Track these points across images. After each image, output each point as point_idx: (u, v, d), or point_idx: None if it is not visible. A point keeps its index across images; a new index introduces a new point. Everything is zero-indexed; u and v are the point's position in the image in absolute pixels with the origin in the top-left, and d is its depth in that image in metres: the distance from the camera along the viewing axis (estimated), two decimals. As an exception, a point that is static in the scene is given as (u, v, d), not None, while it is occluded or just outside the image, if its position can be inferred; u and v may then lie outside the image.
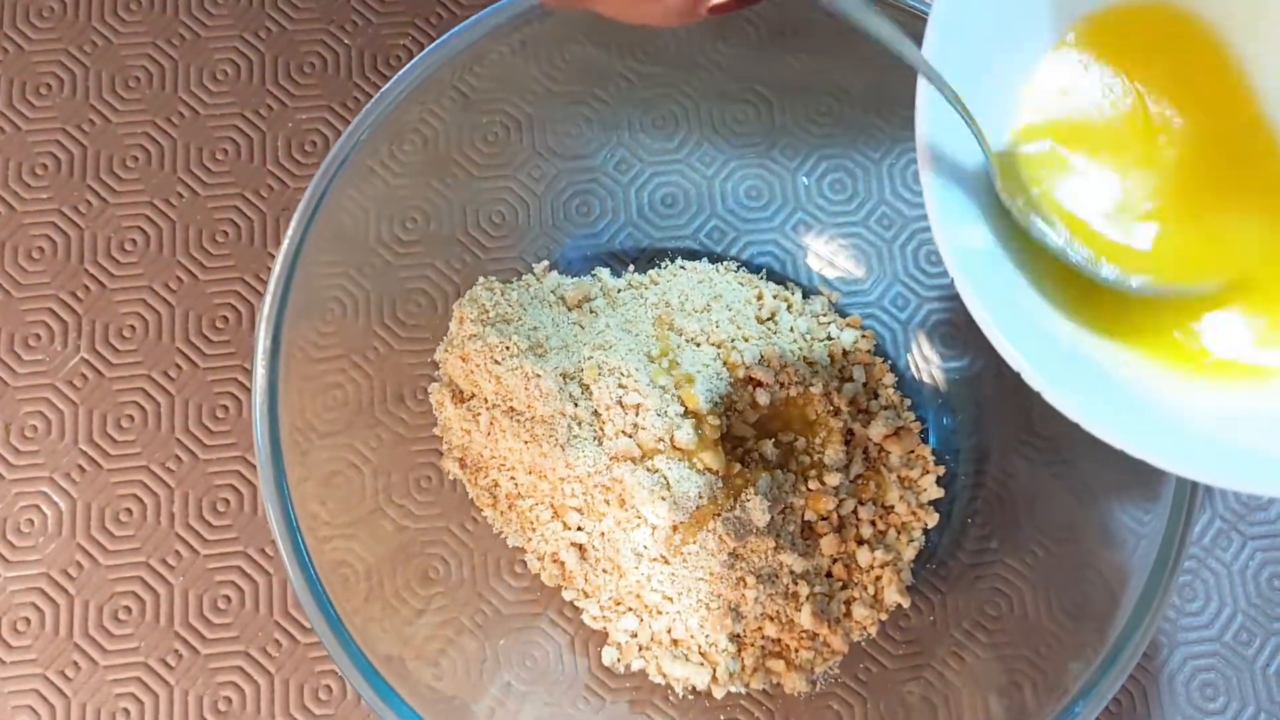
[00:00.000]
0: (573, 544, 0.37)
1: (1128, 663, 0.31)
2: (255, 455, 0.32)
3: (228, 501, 0.40)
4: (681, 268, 0.41)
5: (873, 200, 0.43)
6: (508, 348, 0.37)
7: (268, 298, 0.32)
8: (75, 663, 0.38)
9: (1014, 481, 0.39)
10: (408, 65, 0.36)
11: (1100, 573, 0.36)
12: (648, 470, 0.36)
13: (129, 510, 0.40)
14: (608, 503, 0.37)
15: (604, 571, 0.37)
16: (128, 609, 0.39)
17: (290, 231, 0.33)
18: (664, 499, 0.36)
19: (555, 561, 0.37)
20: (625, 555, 0.36)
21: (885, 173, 0.43)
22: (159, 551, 0.40)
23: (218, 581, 0.39)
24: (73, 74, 0.44)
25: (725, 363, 0.38)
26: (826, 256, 0.41)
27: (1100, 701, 0.31)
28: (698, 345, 0.38)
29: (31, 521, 0.40)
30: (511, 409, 0.37)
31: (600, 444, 0.37)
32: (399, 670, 0.31)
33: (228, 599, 0.39)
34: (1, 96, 0.43)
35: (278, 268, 0.32)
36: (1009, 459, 0.39)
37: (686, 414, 0.37)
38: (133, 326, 0.42)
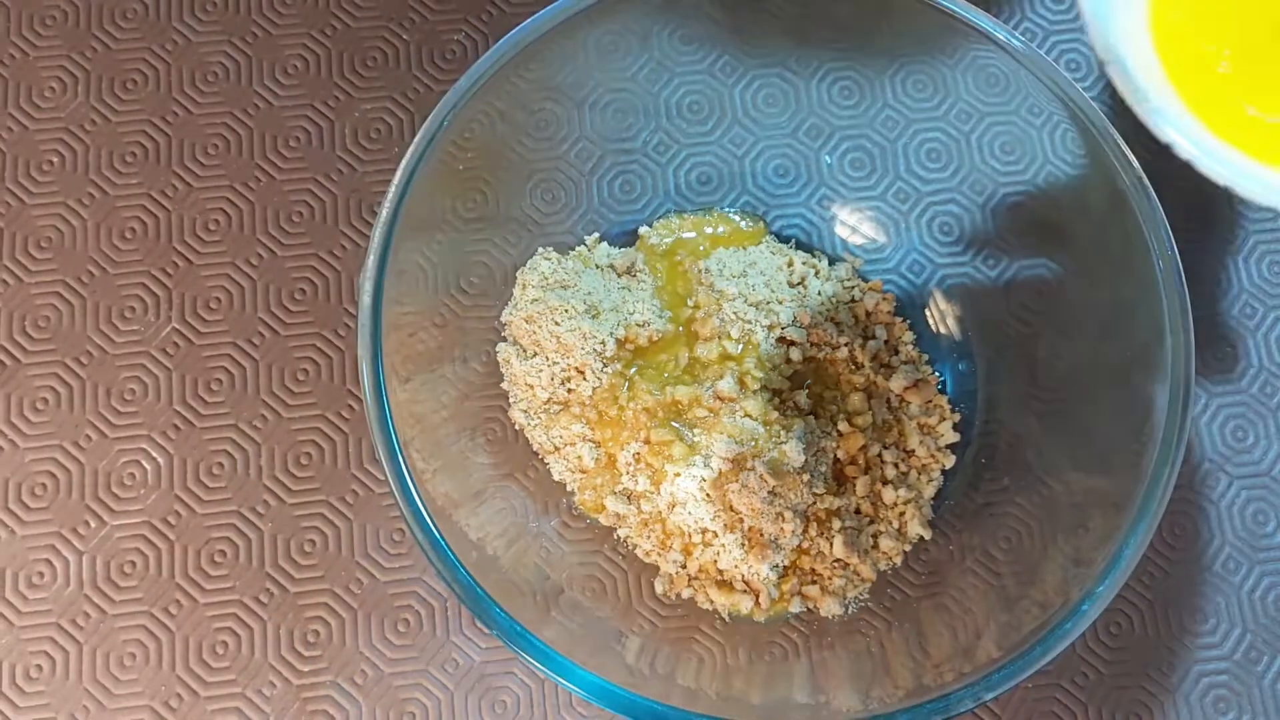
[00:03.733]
0: (625, 488, 0.41)
1: (1123, 575, 0.35)
2: (359, 381, 0.35)
3: (310, 455, 0.44)
4: (718, 239, 0.45)
5: (889, 176, 0.47)
6: (566, 310, 0.41)
7: (384, 210, 0.37)
8: (178, 600, 0.42)
9: (1023, 429, 0.43)
10: (479, 60, 0.39)
11: (1099, 506, 0.40)
12: (694, 418, 0.41)
13: (220, 464, 0.44)
14: (658, 449, 0.41)
15: (654, 511, 0.41)
16: (222, 553, 0.43)
17: (385, 208, 0.37)
18: (709, 444, 0.40)
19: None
20: (675, 495, 0.41)
21: (900, 151, 0.47)
22: (249, 501, 0.44)
23: (303, 527, 0.43)
24: (156, 71, 0.48)
25: (768, 326, 0.42)
26: (853, 224, 0.46)
27: (1098, 607, 0.35)
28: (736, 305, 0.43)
29: (133, 475, 0.44)
30: (570, 366, 0.41)
31: (651, 395, 0.41)
32: (481, 563, 0.35)
33: (313, 543, 0.43)
34: (92, 92, 0.47)
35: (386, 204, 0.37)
36: (1017, 408, 0.43)
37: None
38: (218, 299, 0.46)
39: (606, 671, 0.33)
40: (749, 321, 0.42)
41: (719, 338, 0.42)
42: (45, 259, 0.46)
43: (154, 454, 0.44)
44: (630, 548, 0.42)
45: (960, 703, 0.33)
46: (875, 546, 0.41)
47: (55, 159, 0.47)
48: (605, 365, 0.42)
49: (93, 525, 0.43)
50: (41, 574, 0.42)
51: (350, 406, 0.45)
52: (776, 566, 0.40)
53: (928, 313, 0.45)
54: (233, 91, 0.48)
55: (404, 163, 0.37)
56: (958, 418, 0.43)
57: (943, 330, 0.45)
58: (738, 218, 0.45)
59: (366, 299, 0.36)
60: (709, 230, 0.45)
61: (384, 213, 0.37)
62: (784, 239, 0.46)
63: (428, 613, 0.43)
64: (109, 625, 0.42)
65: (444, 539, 0.34)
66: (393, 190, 0.37)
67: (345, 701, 0.42)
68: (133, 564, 0.43)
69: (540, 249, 0.44)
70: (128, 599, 0.42)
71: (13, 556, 0.43)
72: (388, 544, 0.43)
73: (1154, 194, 0.37)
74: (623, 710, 0.33)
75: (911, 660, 0.38)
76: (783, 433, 0.41)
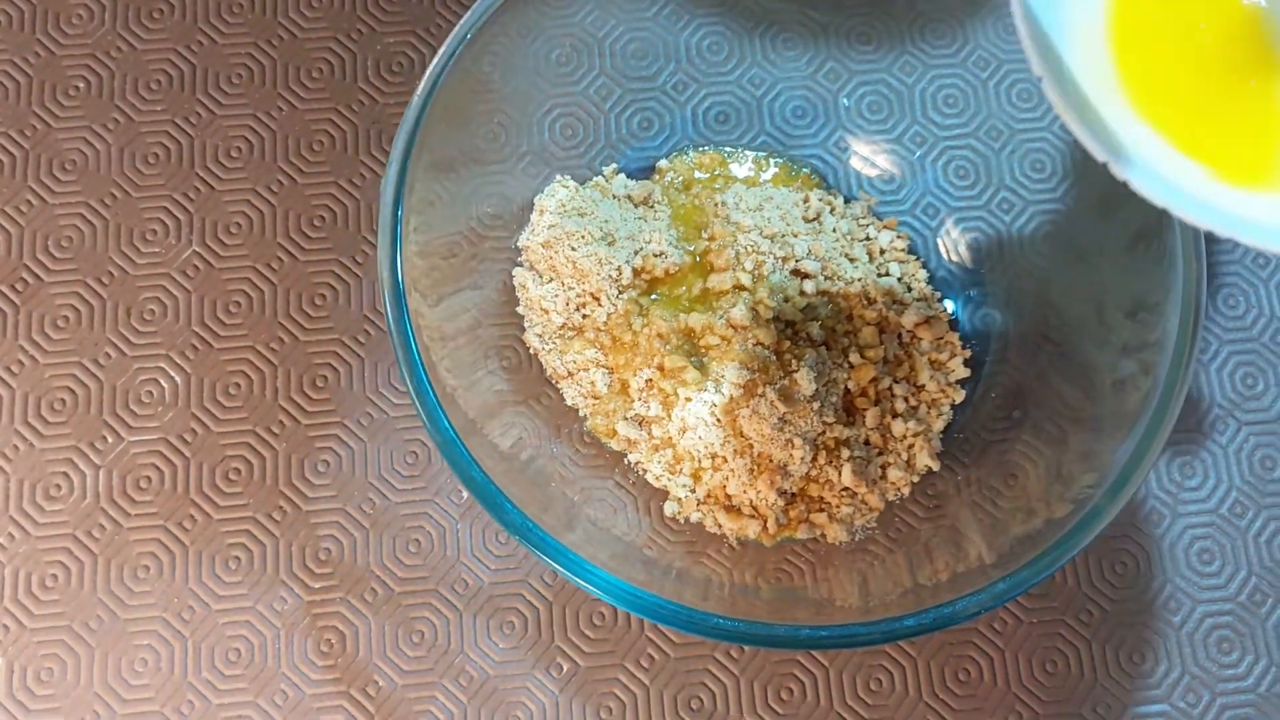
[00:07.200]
0: (637, 414, 0.42)
1: (1125, 495, 0.35)
2: (379, 297, 0.36)
3: (326, 378, 0.45)
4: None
5: (906, 120, 0.47)
6: (583, 236, 0.42)
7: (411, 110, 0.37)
8: (192, 516, 0.43)
9: (1033, 366, 0.43)
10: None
11: (1098, 447, 0.40)
12: (707, 345, 0.41)
13: (237, 385, 0.44)
14: (670, 374, 0.41)
15: (665, 436, 0.41)
16: (237, 470, 0.44)
17: (398, 147, 0.37)
18: (720, 370, 0.40)
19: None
20: (686, 420, 0.41)
21: (917, 96, 0.47)
22: (265, 421, 0.44)
23: (318, 448, 0.44)
24: (182, 0, 0.48)
25: (782, 258, 0.43)
26: (868, 156, 0.46)
27: (1103, 521, 0.35)
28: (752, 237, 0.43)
29: (151, 393, 0.44)
30: (585, 291, 0.42)
31: (665, 322, 0.41)
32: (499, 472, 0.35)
33: (326, 463, 0.44)
34: (118, 20, 0.48)
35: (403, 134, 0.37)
36: (1028, 346, 0.44)
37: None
38: (239, 224, 0.46)
39: (621, 575, 0.34)
40: (763, 254, 0.43)
41: (733, 269, 0.42)
42: (69, 181, 0.46)
43: (172, 373, 0.44)
44: (641, 473, 0.42)
45: (965, 610, 0.33)
46: (884, 477, 0.42)
47: (81, 84, 0.47)
48: (620, 292, 0.42)
49: (110, 440, 0.44)
50: (59, 486, 0.43)
51: (367, 332, 0.45)
52: (784, 492, 0.41)
53: (940, 242, 0.45)
54: (257, 22, 0.48)
55: (428, 73, 0.38)
56: (968, 354, 0.43)
57: (954, 258, 0.45)
58: (767, 160, 0.45)
59: (388, 197, 0.36)
60: (735, 170, 0.45)
61: (407, 118, 0.37)
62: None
63: (439, 534, 0.43)
64: (124, 538, 0.43)
65: (460, 438, 0.34)
66: (416, 99, 0.37)
67: (355, 618, 0.42)
68: (148, 479, 0.43)
69: (558, 177, 0.44)
70: (143, 513, 0.43)
71: (31, 469, 0.43)
72: (401, 467, 0.44)
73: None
74: (637, 609, 0.33)
75: (914, 574, 0.38)
76: (794, 362, 0.41)
